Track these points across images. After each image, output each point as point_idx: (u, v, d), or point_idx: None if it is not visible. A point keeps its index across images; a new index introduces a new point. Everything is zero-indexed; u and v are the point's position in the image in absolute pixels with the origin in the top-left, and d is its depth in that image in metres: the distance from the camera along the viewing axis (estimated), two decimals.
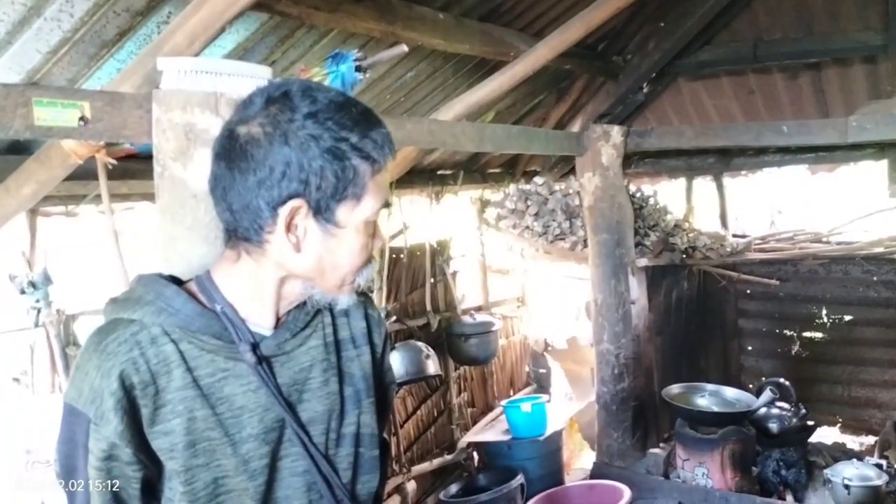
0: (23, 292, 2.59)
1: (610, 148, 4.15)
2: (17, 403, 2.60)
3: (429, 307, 4.42)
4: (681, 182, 5.40)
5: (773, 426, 4.02)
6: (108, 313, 1.11)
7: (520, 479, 4.00)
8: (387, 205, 1.14)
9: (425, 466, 4.39)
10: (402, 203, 4.28)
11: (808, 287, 5.13)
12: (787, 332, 5.24)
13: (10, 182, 2.11)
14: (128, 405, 1.04)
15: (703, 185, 5.39)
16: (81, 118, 1.55)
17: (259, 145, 1.04)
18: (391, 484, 4.01)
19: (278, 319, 1.17)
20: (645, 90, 4.59)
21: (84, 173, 2.21)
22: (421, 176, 4.36)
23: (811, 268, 5.04)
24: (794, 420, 4.05)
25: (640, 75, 4.37)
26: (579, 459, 5.04)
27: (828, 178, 5.22)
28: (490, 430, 4.63)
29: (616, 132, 4.15)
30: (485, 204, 4.84)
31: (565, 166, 5.15)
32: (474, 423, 4.85)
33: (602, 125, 4.22)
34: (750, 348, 5.47)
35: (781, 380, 4.33)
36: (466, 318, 4.46)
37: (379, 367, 1.32)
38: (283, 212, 1.05)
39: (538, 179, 4.67)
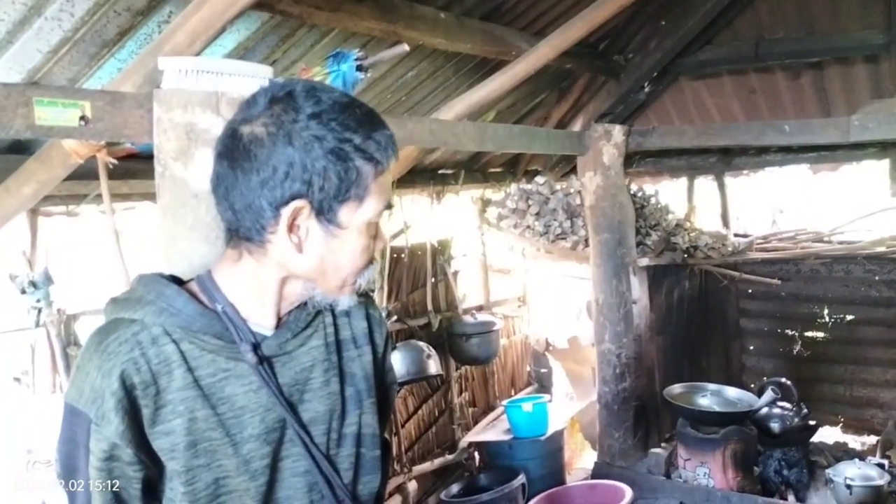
0: (24, 292, 2.60)
1: (611, 147, 4.15)
2: (18, 403, 2.60)
3: (430, 307, 4.42)
4: (682, 181, 5.40)
5: (775, 426, 4.01)
6: (108, 313, 1.11)
7: (521, 478, 4.00)
8: (389, 206, 1.14)
9: (426, 466, 4.39)
10: (403, 202, 4.28)
11: (809, 287, 5.13)
12: (789, 332, 5.23)
13: (11, 182, 2.11)
14: (129, 405, 1.03)
15: (705, 185, 5.39)
16: (82, 118, 1.55)
17: (262, 145, 1.04)
18: (392, 484, 4.01)
19: (279, 319, 1.16)
20: (646, 89, 4.59)
21: (85, 173, 2.21)
22: (422, 175, 4.36)
23: (813, 267, 5.04)
24: (796, 420, 4.04)
25: (642, 74, 4.37)
26: (580, 459, 5.04)
27: (830, 178, 5.22)
28: (491, 430, 4.63)
29: (617, 131, 4.15)
30: (486, 203, 4.84)
31: (566, 166, 5.15)
32: (475, 422, 4.85)
33: (603, 124, 4.22)
34: (751, 348, 5.46)
35: (783, 379, 4.32)
36: (467, 318, 4.46)
37: (380, 367, 1.31)
38: (286, 212, 1.05)
39: (539, 179, 4.67)
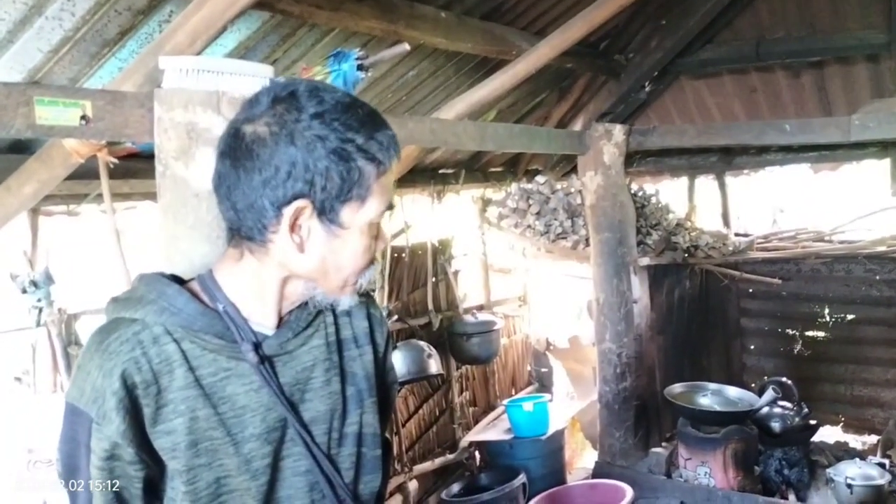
0: (24, 291, 2.60)
1: (612, 147, 4.15)
2: (19, 403, 2.60)
3: (430, 306, 4.42)
4: (683, 181, 5.39)
5: (776, 425, 4.01)
6: (109, 312, 1.11)
7: (522, 478, 4.00)
8: (391, 207, 1.14)
9: (427, 466, 4.39)
10: (404, 202, 4.28)
11: (810, 286, 5.12)
12: (790, 332, 5.22)
13: (12, 181, 2.11)
14: (130, 405, 1.03)
15: (706, 184, 5.39)
16: (83, 117, 1.55)
17: (265, 145, 1.04)
18: (393, 483, 4.01)
19: (280, 319, 1.16)
20: (647, 89, 4.59)
21: (85, 172, 2.21)
22: (422, 175, 4.36)
23: (814, 267, 5.03)
24: (797, 419, 4.04)
25: (642, 74, 4.37)
26: (581, 459, 5.04)
27: (830, 177, 5.21)
28: (492, 430, 4.63)
29: (618, 131, 4.15)
30: (486, 203, 4.84)
31: (567, 165, 5.15)
32: (476, 422, 4.85)
33: (604, 124, 4.22)
34: (752, 347, 5.46)
35: (784, 379, 4.32)
36: (468, 318, 4.46)
37: (381, 366, 1.31)
38: (288, 212, 1.05)
39: (540, 178, 4.67)
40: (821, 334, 5.15)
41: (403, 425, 4.28)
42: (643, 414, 4.36)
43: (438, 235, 4.58)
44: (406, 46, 2.30)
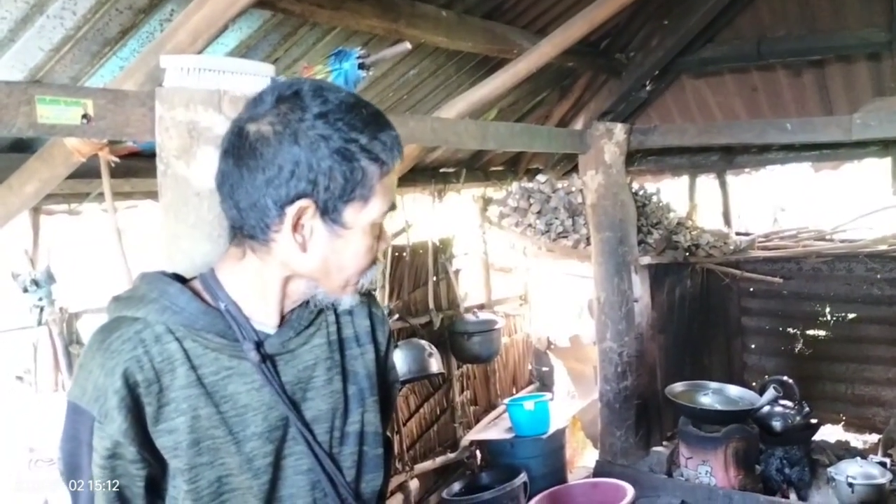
0: (26, 290, 2.60)
1: (613, 145, 4.14)
2: (20, 402, 2.60)
3: (431, 305, 4.43)
4: (684, 180, 5.39)
5: (777, 424, 4.01)
6: (111, 311, 1.11)
7: (522, 477, 4.00)
8: (393, 207, 1.14)
9: (428, 465, 4.40)
10: (405, 201, 4.28)
11: (811, 285, 5.12)
12: (791, 330, 5.22)
13: (13, 180, 2.11)
14: (132, 403, 1.03)
15: (706, 183, 5.38)
16: (84, 116, 1.55)
17: (268, 144, 1.04)
18: (394, 482, 4.02)
19: (282, 318, 1.16)
20: (648, 88, 4.58)
21: (87, 171, 2.21)
22: (423, 174, 4.36)
23: (815, 266, 5.03)
24: (798, 418, 4.04)
25: (644, 73, 4.36)
26: (582, 458, 5.04)
27: (831, 176, 5.21)
28: (493, 429, 4.63)
29: (619, 130, 4.14)
30: (487, 202, 4.84)
31: (568, 164, 5.14)
32: (477, 421, 4.85)
33: (605, 123, 4.21)
34: (753, 346, 5.46)
35: (785, 378, 4.31)
36: (469, 317, 4.46)
37: (382, 365, 1.31)
38: (291, 211, 1.05)
39: (541, 177, 4.66)
40: (822, 333, 5.14)
41: (404, 424, 4.28)
42: (644, 413, 4.36)
43: (439, 234, 4.58)
44: (407, 45, 2.30)
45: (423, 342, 4.03)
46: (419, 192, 4.43)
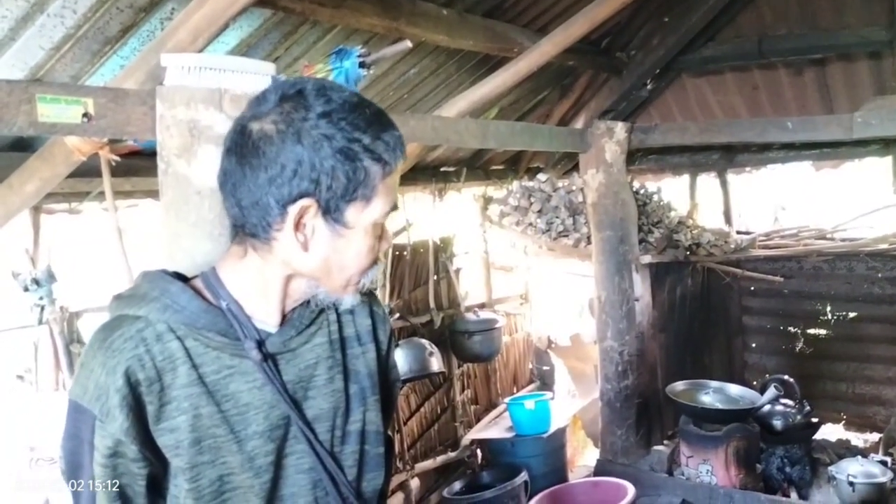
0: (26, 289, 2.59)
1: (613, 144, 4.14)
2: (21, 401, 2.60)
3: (432, 304, 4.42)
4: (685, 179, 5.39)
5: (778, 423, 4.01)
6: (113, 310, 1.10)
7: (523, 476, 4.00)
8: (395, 207, 1.14)
9: (429, 464, 4.40)
10: (406, 200, 4.27)
11: (812, 284, 5.12)
12: (792, 329, 5.22)
13: (14, 179, 2.10)
14: (133, 402, 1.03)
15: (707, 182, 5.38)
16: (85, 115, 1.55)
17: (271, 143, 1.04)
18: (395, 481, 4.02)
19: (284, 317, 1.16)
20: (649, 86, 4.58)
21: (87, 170, 2.21)
22: (424, 173, 4.36)
23: (815, 264, 5.03)
24: (799, 417, 4.04)
25: (644, 72, 4.36)
26: (583, 457, 5.04)
27: (832, 175, 5.21)
28: (493, 428, 4.63)
29: (620, 129, 4.14)
30: (488, 201, 4.84)
31: (569, 163, 5.14)
32: (478, 420, 4.85)
33: (606, 122, 4.21)
34: (754, 345, 5.46)
35: (786, 377, 4.32)
36: (470, 316, 4.46)
37: (384, 364, 1.31)
38: (293, 210, 1.05)
39: (541, 176, 4.66)
40: (823, 332, 5.14)
41: (405, 423, 4.28)
42: (645, 412, 4.36)
43: (440, 233, 4.58)
44: (408, 44, 2.30)
45: (424, 341, 4.03)
46: (420, 190, 4.43)
